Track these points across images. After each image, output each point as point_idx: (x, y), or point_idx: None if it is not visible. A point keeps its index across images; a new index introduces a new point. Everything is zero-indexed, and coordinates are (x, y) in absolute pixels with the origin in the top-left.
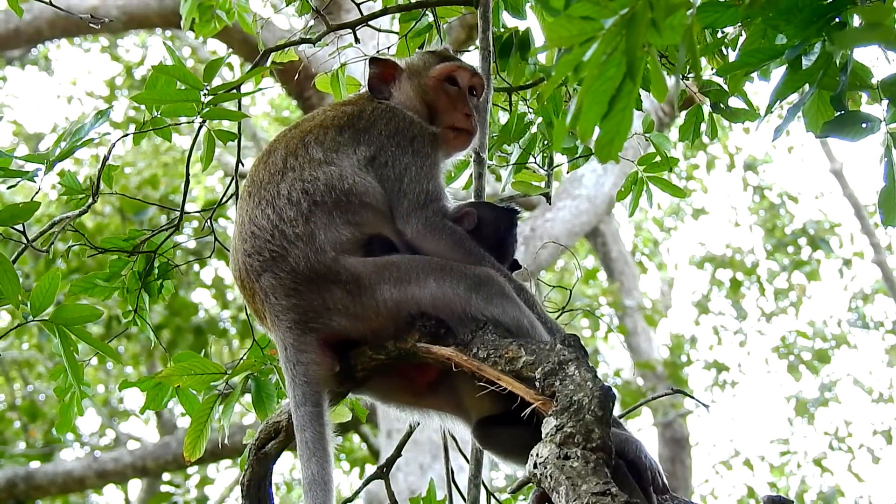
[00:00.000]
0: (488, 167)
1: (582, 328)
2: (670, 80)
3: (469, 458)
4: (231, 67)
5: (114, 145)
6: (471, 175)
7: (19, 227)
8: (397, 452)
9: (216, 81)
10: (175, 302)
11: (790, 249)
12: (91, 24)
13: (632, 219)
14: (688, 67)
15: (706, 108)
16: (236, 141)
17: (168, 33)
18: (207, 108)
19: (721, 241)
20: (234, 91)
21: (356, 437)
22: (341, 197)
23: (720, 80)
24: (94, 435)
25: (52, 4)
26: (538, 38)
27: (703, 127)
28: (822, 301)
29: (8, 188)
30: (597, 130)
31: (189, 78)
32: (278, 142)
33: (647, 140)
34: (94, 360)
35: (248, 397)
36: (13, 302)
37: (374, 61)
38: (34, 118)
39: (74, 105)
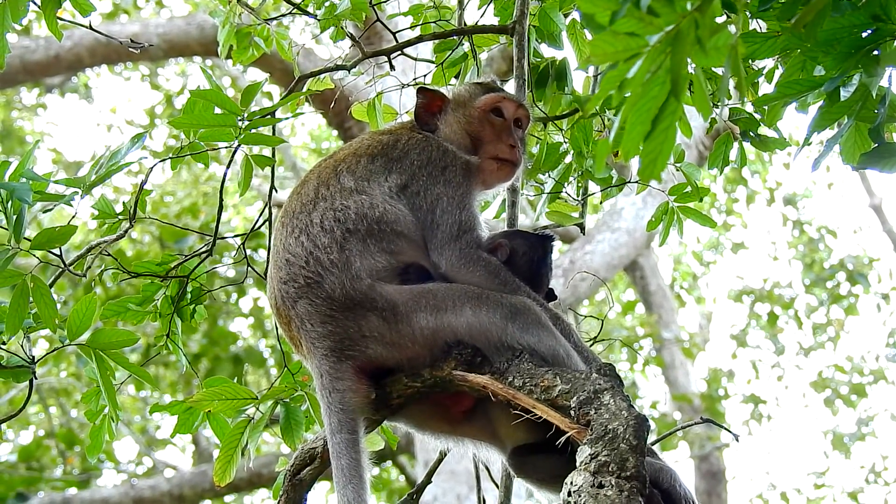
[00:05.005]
0: (524, 198)
1: (620, 360)
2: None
3: (499, 485)
4: (270, 96)
5: (151, 169)
6: (503, 202)
7: (56, 251)
8: (427, 479)
9: (254, 108)
10: (214, 331)
11: (829, 284)
12: (131, 49)
13: (671, 252)
14: (729, 91)
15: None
16: (270, 167)
17: (209, 62)
18: (245, 134)
19: (760, 275)
20: (271, 116)
21: (393, 470)
22: (373, 225)
23: (750, 109)
24: (132, 462)
25: (92, 28)
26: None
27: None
28: (860, 336)
29: (44, 212)
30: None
31: (227, 103)
32: (312, 172)
33: (677, 170)
34: (132, 389)
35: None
36: (50, 326)
37: (421, 91)
38: (74, 146)
39: (114, 133)
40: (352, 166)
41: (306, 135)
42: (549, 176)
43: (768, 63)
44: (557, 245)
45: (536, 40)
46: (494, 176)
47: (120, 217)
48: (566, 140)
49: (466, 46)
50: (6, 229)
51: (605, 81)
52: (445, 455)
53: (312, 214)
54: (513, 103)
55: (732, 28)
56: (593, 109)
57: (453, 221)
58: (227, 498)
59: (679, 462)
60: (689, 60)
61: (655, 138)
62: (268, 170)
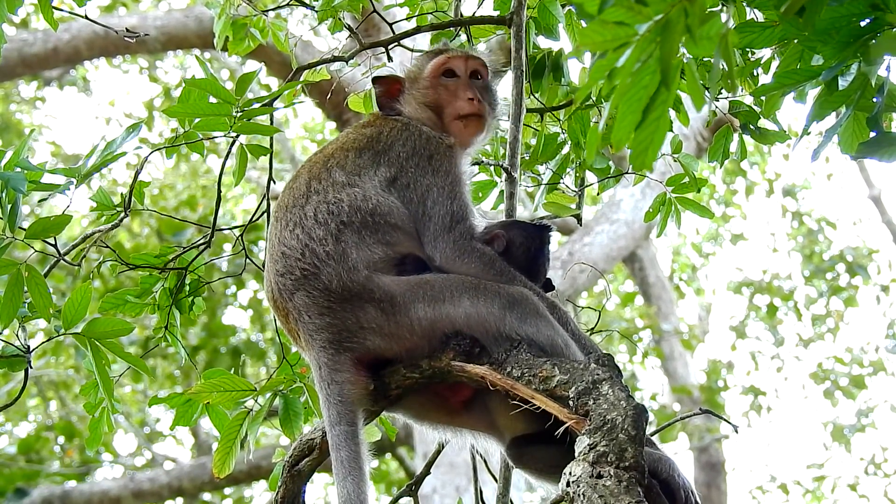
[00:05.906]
0: (522, 189)
1: (619, 352)
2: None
3: (497, 477)
4: (268, 88)
5: (146, 158)
6: (500, 193)
7: (52, 241)
8: (426, 470)
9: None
10: (213, 324)
11: (828, 275)
12: (127, 40)
13: (670, 244)
14: (728, 83)
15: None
16: (268, 159)
17: (207, 54)
18: (240, 123)
19: (759, 267)
20: (267, 105)
21: (392, 462)
22: (367, 217)
23: (749, 102)
24: (131, 455)
25: (88, 18)
26: (571, 60)
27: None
28: (860, 327)
29: (40, 202)
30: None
31: (221, 92)
32: (303, 167)
33: (675, 161)
34: (130, 379)
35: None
36: (44, 315)
37: (377, 80)
38: (72, 139)
39: (112, 126)
40: (341, 161)
41: (300, 127)
42: (547, 167)
43: (766, 53)
44: (555, 236)
45: (535, 33)
46: (465, 133)
47: (118, 209)
48: (563, 131)
49: (464, 37)
50: (1, 219)
51: (595, 71)
52: (444, 447)
53: (306, 208)
54: (460, 58)
55: (724, 16)
56: (586, 99)
57: (445, 212)
58: (227, 490)
59: (678, 453)
60: (682, 50)
61: (646, 128)
62: (266, 162)
